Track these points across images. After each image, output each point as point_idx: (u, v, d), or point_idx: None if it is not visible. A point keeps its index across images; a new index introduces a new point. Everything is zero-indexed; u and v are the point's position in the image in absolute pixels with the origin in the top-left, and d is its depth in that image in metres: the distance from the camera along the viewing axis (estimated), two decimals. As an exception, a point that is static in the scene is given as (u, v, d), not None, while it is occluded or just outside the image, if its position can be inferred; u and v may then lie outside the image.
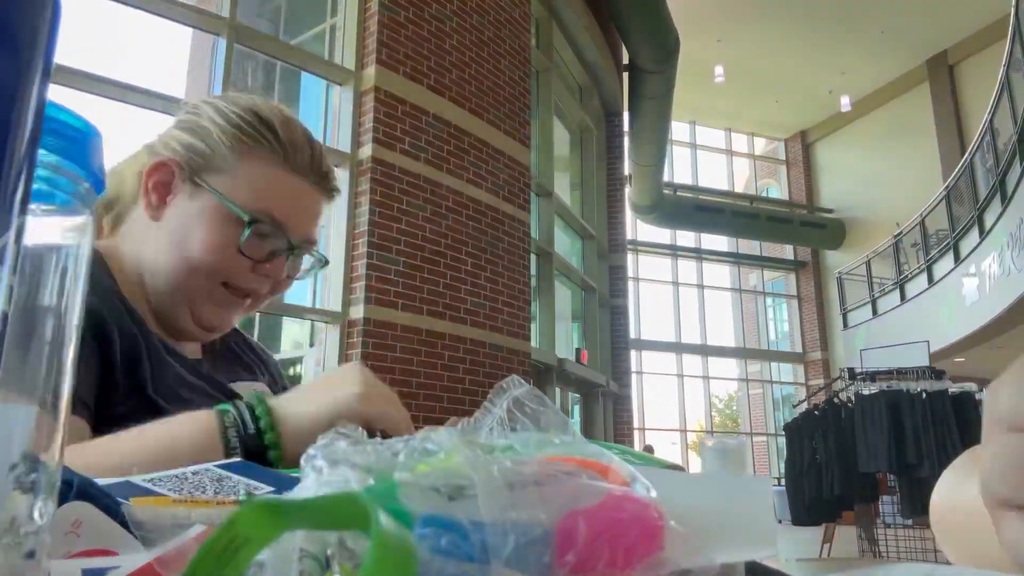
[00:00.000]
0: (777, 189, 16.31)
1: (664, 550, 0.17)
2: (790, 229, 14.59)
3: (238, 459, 0.40)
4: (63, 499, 0.22)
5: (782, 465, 6.29)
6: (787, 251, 15.60)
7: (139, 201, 0.67)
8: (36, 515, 0.17)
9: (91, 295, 0.58)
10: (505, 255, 5.23)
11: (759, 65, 13.12)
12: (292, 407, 0.50)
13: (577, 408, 7.50)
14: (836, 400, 5.43)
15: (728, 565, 0.19)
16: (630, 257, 10.90)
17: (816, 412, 5.53)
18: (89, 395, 0.56)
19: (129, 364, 0.58)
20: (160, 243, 0.64)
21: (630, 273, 10.23)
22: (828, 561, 5.48)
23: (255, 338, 0.82)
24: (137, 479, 0.28)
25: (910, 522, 5.62)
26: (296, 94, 5.76)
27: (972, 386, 5.07)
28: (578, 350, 7.23)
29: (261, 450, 0.48)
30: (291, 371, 4.99)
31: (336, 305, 4.19)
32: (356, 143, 4.37)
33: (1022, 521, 0.21)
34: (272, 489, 0.30)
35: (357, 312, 4.15)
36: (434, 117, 4.73)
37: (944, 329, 8.79)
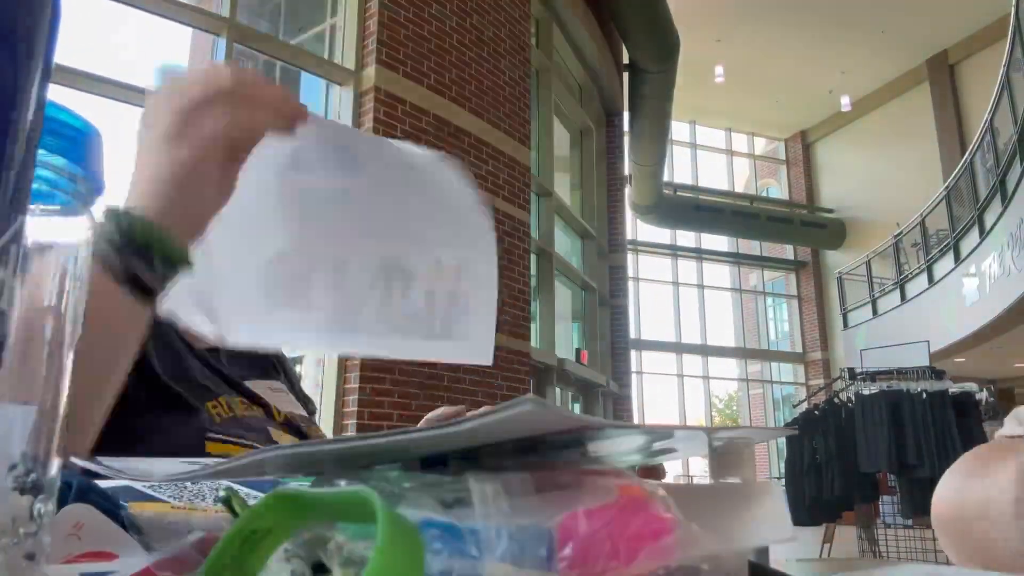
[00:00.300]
0: (777, 189, 16.31)
1: (668, 542, 0.17)
2: (790, 229, 14.59)
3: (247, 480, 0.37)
4: (63, 500, 0.22)
5: (782, 465, 6.29)
6: (787, 251, 15.59)
7: None
8: (36, 516, 0.17)
9: None
10: (505, 255, 5.23)
11: (759, 65, 13.12)
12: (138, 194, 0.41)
13: (577, 408, 7.50)
14: (836, 400, 5.43)
15: (732, 564, 0.19)
16: (630, 257, 10.90)
17: (816, 412, 5.53)
18: None
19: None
20: None
21: (630, 273, 10.23)
22: (828, 561, 5.47)
23: None
24: (137, 484, 0.28)
25: (910, 522, 5.62)
26: (296, 94, 5.75)
27: (972, 386, 5.07)
28: (578, 350, 7.23)
29: (143, 251, 0.40)
30: (291, 371, 4.98)
31: (336, 305, 4.18)
32: (356, 143, 4.37)
33: None
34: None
35: (357, 312, 4.14)
36: (434, 117, 4.73)
37: (944, 329, 8.79)
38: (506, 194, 5.32)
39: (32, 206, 0.17)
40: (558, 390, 6.64)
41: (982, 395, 5.16)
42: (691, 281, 14.87)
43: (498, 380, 4.90)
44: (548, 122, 6.79)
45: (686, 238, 14.81)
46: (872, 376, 5.30)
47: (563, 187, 7.46)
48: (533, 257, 6.01)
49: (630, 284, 9.66)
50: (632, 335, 9.32)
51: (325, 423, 3.86)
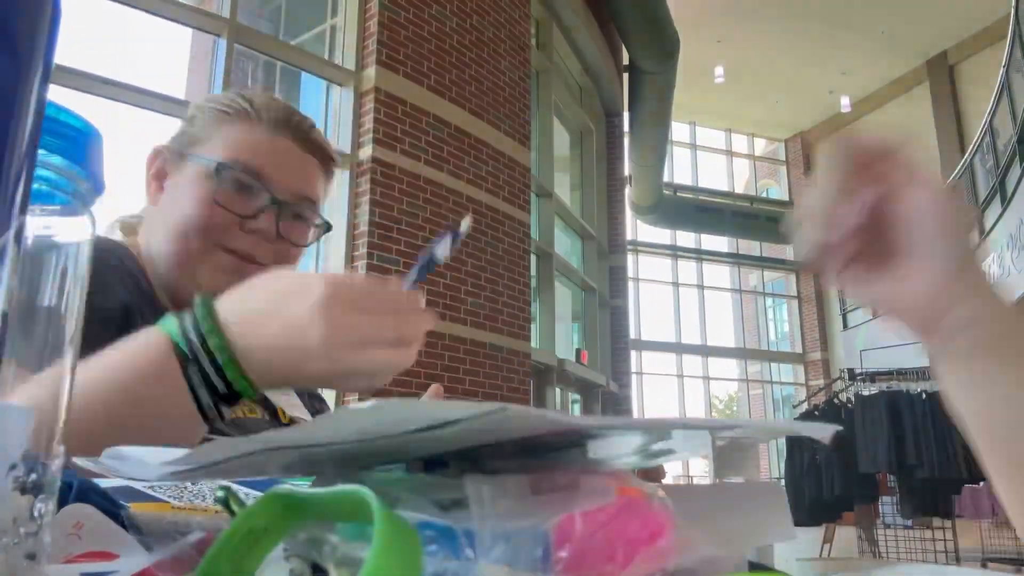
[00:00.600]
0: (777, 190, 16.31)
1: (664, 545, 0.17)
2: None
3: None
4: (63, 500, 0.22)
5: (782, 465, 6.29)
6: (787, 251, 15.59)
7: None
8: (36, 515, 0.17)
9: (122, 287, 0.59)
10: (505, 256, 5.22)
11: (759, 66, 13.12)
12: (254, 354, 0.42)
13: (577, 408, 7.50)
14: (836, 401, 5.43)
15: (732, 565, 0.19)
16: (630, 257, 10.89)
17: (816, 413, 5.53)
18: None
19: None
20: (159, 222, 0.66)
21: (630, 273, 10.23)
22: (828, 561, 5.47)
23: None
24: (137, 485, 0.28)
25: (910, 522, 5.62)
26: (296, 94, 5.76)
27: (972, 387, 5.05)
28: (578, 350, 7.23)
29: (232, 396, 0.42)
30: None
31: (336, 305, 4.18)
32: (356, 144, 4.37)
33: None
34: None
35: (357, 312, 4.14)
36: (434, 118, 4.73)
37: (944, 330, 8.77)
38: (506, 194, 5.32)
39: (32, 206, 0.17)
40: (558, 390, 6.64)
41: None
42: (691, 281, 14.87)
43: (498, 380, 4.90)
44: (548, 122, 6.79)
45: (686, 239, 14.81)
46: (872, 377, 5.30)
47: (563, 187, 7.46)
48: (533, 258, 6.01)
49: (630, 284, 9.65)
50: (632, 335, 9.32)
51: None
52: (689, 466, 14.27)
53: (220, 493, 0.19)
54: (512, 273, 5.27)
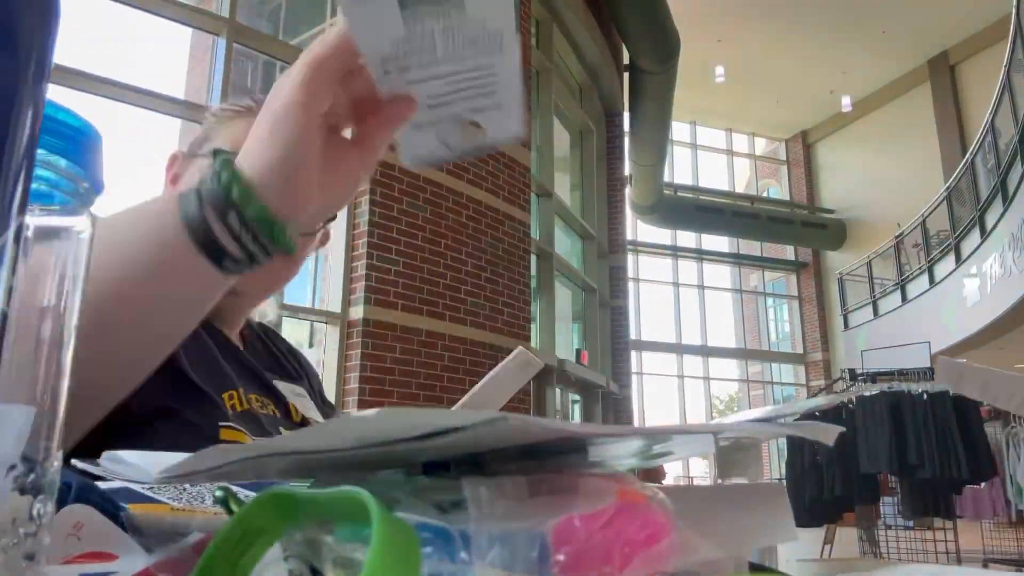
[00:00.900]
0: (778, 189, 16.31)
1: (663, 547, 0.16)
2: (791, 229, 14.58)
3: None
4: (62, 501, 0.22)
5: (783, 466, 6.29)
6: (788, 252, 15.59)
7: None
8: (35, 516, 0.17)
9: None
10: (505, 256, 5.22)
11: (760, 65, 13.12)
12: (247, 149, 0.40)
13: (577, 408, 7.50)
14: (837, 401, 5.42)
15: (733, 565, 0.19)
16: (630, 258, 10.89)
17: (817, 413, 5.53)
18: None
19: None
20: None
21: (630, 274, 10.23)
22: (829, 562, 5.46)
23: None
24: (136, 486, 0.28)
25: (911, 523, 5.62)
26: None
27: (973, 387, 5.05)
28: (578, 351, 7.23)
29: (234, 209, 0.38)
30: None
31: (336, 306, 4.18)
32: (357, 143, 4.37)
33: None
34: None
35: (357, 313, 4.15)
36: (435, 117, 4.73)
37: (945, 330, 8.79)
38: (506, 194, 5.32)
39: (32, 206, 0.17)
40: (558, 390, 6.64)
41: (983, 396, 5.14)
42: (691, 282, 14.87)
43: (498, 380, 4.90)
44: (548, 122, 6.79)
45: (686, 238, 14.81)
46: (873, 377, 5.30)
47: (563, 187, 7.46)
48: (533, 258, 6.01)
49: (630, 285, 9.65)
50: (632, 336, 9.32)
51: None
52: (689, 466, 14.25)
53: (219, 493, 0.19)
54: (512, 273, 5.27)
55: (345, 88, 0.39)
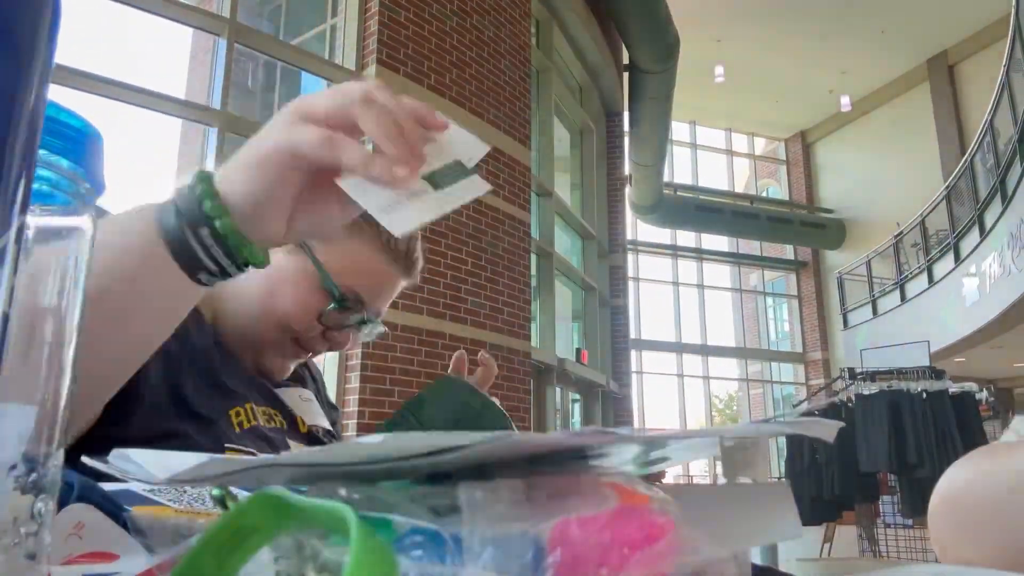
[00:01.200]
0: (777, 189, 16.31)
1: (660, 548, 0.16)
2: (790, 229, 14.58)
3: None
4: (63, 501, 0.22)
5: (782, 465, 6.29)
6: (787, 251, 15.59)
7: None
8: (36, 515, 0.17)
9: None
10: (505, 255, 5.22)
11: (759, 65, 13.11)
12: (224, 172, 0.41)
13: (577, 408, 7.50)
14: (836, 400, 5.43)
15: (734, 566, 0.19)
16: (630, 257, 10.88)
17: (816, 412, 5.53)
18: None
19: (176, 351, 0.57)
20: (247, 288, 0.66)
21: (630, 273, 10.22)
22: (829, 561, 5.47)
23: None
24: (137, 488, 0.28)
25: (910, 522, 5.62)
26: (296, 94, 5.75)
27: (972, 386, 5.06)
28: (578, 350, 7.22)
29: (205, 222, 0.39)
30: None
31: (336, 305, 4.18)
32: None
33: None
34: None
35: (357, 312, 4.14)
36: (434, 117, 4.73)
37: (944, 329, 8.79)
38: (506, 194, 5.32)
39: (32, 206, 0.17)
40: (558, 390, 6.64)
41: (982, 395, 5.15)
42: (691, 281, 14.86)
43: (499, 380, 4.90)
44: (548, 122, 6.78)
45: (686, 238, 14.81)
46: (872, 376, 5.30)
47: (563, 187, 7.46)
48: (533, 257, 6.01)
49: (630, 284, 9.65)
50: (632, 335, 9.32)
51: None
52: (689, 465, 14.25)
53: (216, 492, 0.19)
54: (512, 273, 5.27)
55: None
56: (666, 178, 12.77)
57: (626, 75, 8.82)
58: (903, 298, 10.46)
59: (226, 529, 0.15)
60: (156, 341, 0.44)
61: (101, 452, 0.41)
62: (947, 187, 9.65)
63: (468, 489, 0.17)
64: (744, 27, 12.08)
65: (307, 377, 0.79)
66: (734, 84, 13.46)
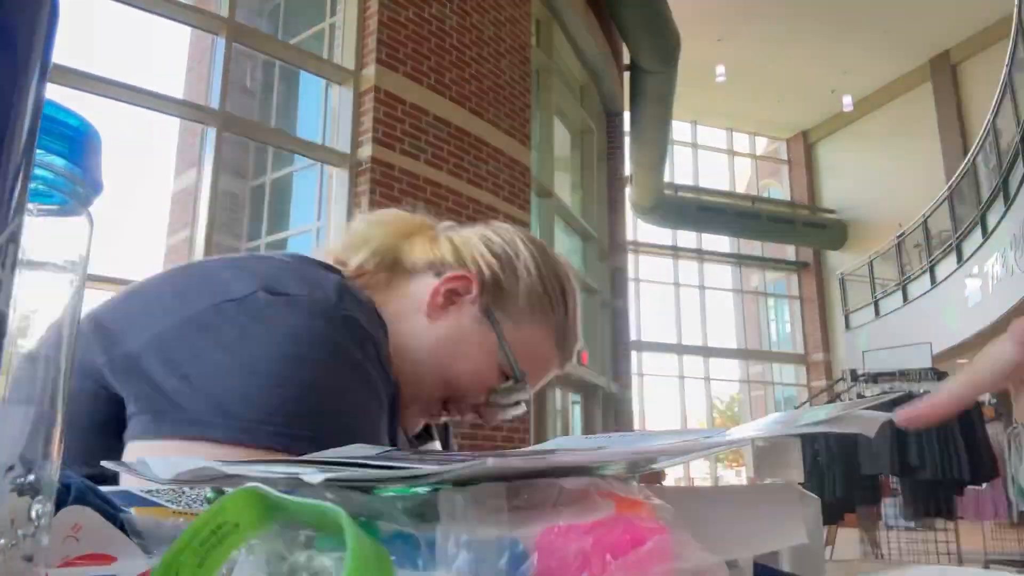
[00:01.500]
0: (779, 189, 16.30)
1: (646, 552, 0.16)
2: (792, 230, 14.57)
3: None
4: (61, 503, 0.22)
5: (783, 466, 6.27)
6: (789, 252, 15.58)
7: (417, 280, 0.66)
8: (34, 517, 0.17)
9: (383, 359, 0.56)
10: (506, 255, 5.22)
11: (761, 65, 13.11)
12: None
13: (577, 409, 7.49)
14: (838, 402, 5.42)
15: (736, 565, 0.19)
16: (631, 258, 10.88)
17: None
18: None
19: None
20: (425, 338, 0.64)
21: (631, 274, 10.22)
22: (830, 563, 5.46)
23: None
24: (135, 489, 0.28)
25: (912, 524, 5.61)
26: (295, 93, 5.76)
27: (974, 387, 5.04)
28: (578, 351, 7.21)
29: None
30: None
31: (337, 305, 4.18)
32: (355, 143, 4.37)
33: None
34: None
35: (358, 312, 4.15)
36: (434, 117, 4.73)
37: (947, 330, 8.77)
38: (506, 194, 5.32)
39: (30, 206, 0.17)
40: (558, 391, 6.64)
41: (984, 397, 5.14)
42: (692, 282, 14.86)
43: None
44: (548, 122, 6.78)
45: (687, 239, 14.80)
46: (874, 378, 5.29)
47: (563, 187, 7.45)
48: (534, 257, 6.00)
49: (631, 285, 9.64)
50: (633, 336, 9.31)
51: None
52: (689, 467, 14.22)
53: (210, 494, 0.19)
54: (513, 273, 5.26)
55: None
56: (667, 178, 12.77)
57: (627, 75, 8.82)
58: (905, 299, 10.45)
59: (207, 525, 0.15)
60: None
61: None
62: (949, 187, 9.64)
63: (447, 495, 0.16)
64: (745, 26, 12.08)
65: (435, 433, 0.77)
66: (735, 84, 13.45)
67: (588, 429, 7.28)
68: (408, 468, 0.17)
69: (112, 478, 0.37)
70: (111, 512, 0.23)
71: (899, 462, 4.71)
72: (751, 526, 0.21)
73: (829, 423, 0.23)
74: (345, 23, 4.61)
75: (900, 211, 11.88)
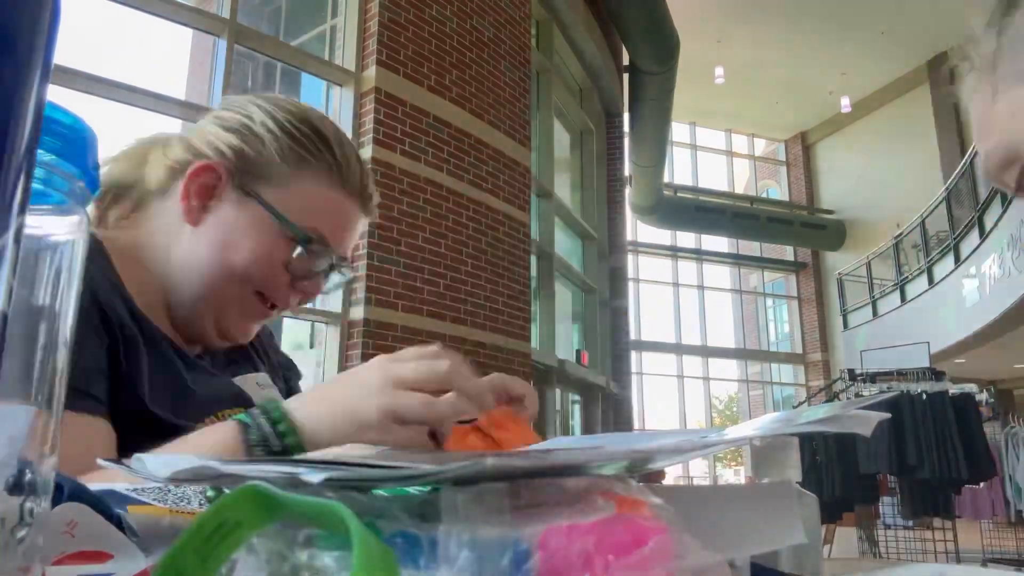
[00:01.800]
0: (777, 190, 16.31)
1: (649, 552, 0.16)
2: (790, 230, 14.58)
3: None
4: (55, 503, 0.22)
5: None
6: (787, 252, 15.59)
7: (169, 196, 0.64)
8: (28, 515, 0.17)
9: (93, 287, 0.55)
10: (505, 256, 5.22)
11: (759, 66, 13.12)
12: (314, 424, 0.48)
13: (577, 409, 7.49)
14: (836, 401, 5.42)
15: (734, 565, 0.19)
16: (630, 258, 10.88)
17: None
18: (102, 390, 0.53)
19: (129, 370, 0.55)
20: (197, 248, 0.62)
21: (630, 274, 10.22)
22: (829, 562, 5.46)
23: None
24: (121, 487, 0.28)
25: (911, 523, 5.62)
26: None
27: (972, 387, 5.06)
28: (578, 351, 7.22)
29: (283, 445, 0.49)
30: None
31: (336, 306, 4.18)
32: (356, 144, 4.37)
33: None
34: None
35: (357, 313, 4.15)
36: (434, 118, 4.73)
37: (944, 330, 8.78)
38: (506, 195, 5.32)
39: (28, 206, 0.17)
40: (558, 391, 6.64)
41: (982, 396, 5.15)
42: (691, 282, 14.86)
43: (498, 381, 4.89)
44: (548, 123, 6.78)
45: (686, 239, 14.81)
46: (872, 377, 5.30)
47: (563, 188, 7.46)
48: (533, 258, 6.01)
49: (630, 285, 9.64)
50: (632, 336, 9.31)
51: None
52: (689, 466, 14.24)
53: (211, 493, 0.19)
54: (512, 273, 5.27)
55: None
56: (666, 179, 12.78)
57: (626, 76, 8.82)
58: (903, 299, 10.46)
59: (209, 523, 0.15)
60: None
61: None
62: (947, 188, 9.65)
63: (449, 494, 0.17)
64: (744, 28, 12.09)
65: (255, 357, 0.73)
66: (734, 85, 13.46)
67: (588, 429, 7.28)
68: (408, 468, 0.18)
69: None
70: (107, 510, 0.23)
71: (897, 461, 4.71)
72: (749, 525, 0.21)
73: (827, 422, 0.23)
74: (346, 25, 4.62)
75: (898, 212, 11.89)
